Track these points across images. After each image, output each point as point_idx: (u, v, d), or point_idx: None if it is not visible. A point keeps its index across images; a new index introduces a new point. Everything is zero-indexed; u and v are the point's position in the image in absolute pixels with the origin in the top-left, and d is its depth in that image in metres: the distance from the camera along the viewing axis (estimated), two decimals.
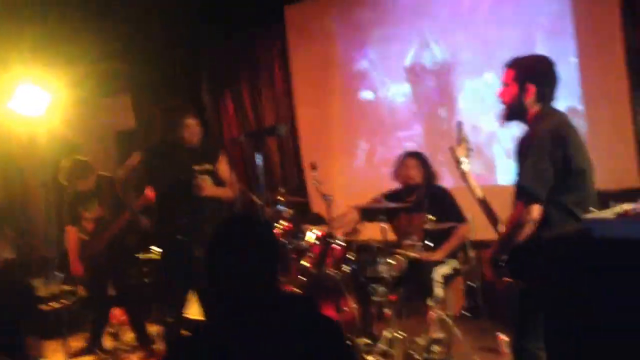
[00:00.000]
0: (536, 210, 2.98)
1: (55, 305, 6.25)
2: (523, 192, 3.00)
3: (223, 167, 4.69)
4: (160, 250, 4.91)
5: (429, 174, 5.02)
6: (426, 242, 4.75)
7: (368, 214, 5.09)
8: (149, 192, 4.83)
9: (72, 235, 5.53)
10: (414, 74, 6.30)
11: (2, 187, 8.38)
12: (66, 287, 6.47)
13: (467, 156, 3.49)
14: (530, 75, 3.16)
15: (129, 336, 5.90)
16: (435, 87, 6.20)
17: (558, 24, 5.28)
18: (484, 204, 3.46)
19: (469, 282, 5.00)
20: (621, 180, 4.57)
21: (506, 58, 3.25)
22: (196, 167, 4.54)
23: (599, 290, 2.47)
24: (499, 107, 3.27)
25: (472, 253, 5.01)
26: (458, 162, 3.49)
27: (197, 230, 4.43)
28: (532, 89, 3.14)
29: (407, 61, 6.33)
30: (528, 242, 3.06)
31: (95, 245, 5.48)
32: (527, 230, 3.01)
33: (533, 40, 5.39)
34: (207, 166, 4.60)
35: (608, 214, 2.59)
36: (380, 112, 6.63)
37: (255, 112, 7.52)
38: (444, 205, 4.87)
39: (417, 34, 6.22)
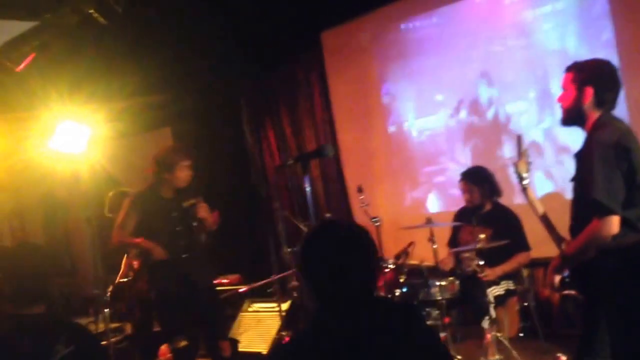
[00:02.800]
0: (615, 224, 2.84)
1: (103, 342, 6.23)
2: (596, 206, 2.85)
3: (202, 205, 4.81)
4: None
5: (490, 191, 4.99)
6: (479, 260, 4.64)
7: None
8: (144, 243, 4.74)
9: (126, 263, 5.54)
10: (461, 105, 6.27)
11: (45, 227, 8.46)
12: (114, 324, 6.44)
13: (528, 171, 3.38)
14: (589, 78, 3.06)
15: None
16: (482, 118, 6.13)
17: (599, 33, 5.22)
18: (546, 221, 3.35)
19: (524, 303, 4.90)
20: None
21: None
22: (184, 204, 4.75)
23: None
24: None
25: (525, 273, 4.91)
26: (520, 178, 3.38)
27: (193, 253, 4.73)
28: (590, 91, 3.04)
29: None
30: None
31: (139, 284, 5.44)
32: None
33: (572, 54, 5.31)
34: (193, 201, 4.77)
35: None
36: (418, 136, 6.57)
37: (297, 139, 7.52)
38: (509, 228, 4.80)
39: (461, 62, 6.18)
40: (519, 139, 3.47)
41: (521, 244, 4.79)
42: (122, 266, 5.68)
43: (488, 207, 5.01)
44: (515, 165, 3.41)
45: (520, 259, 4.80)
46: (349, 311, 1.95)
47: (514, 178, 3.50)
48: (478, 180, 5.00)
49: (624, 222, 2.85)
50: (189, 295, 4.67)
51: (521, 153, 3.41)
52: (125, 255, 5.66)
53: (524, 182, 3.37)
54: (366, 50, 6.85)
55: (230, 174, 7.85)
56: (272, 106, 7.75)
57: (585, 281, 3.09)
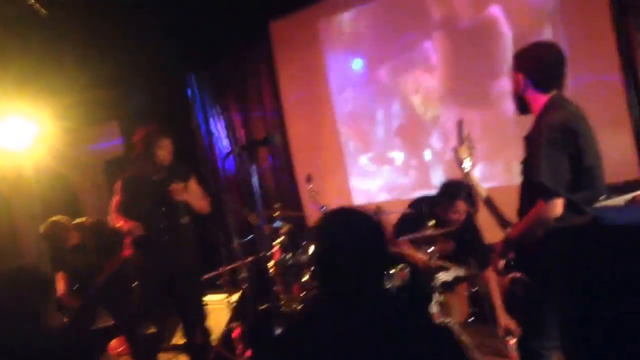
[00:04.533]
0: (559, 206, 2.84)
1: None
2: (541, 188, 2.85)
3: (194, 186, 4.97)
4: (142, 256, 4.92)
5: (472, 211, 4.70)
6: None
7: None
8: (124, 224, 4.76)
9: (61, 281, 5.41)
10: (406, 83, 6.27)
11: None
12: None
13: (470, 155, 3.39)
14: (525, 63, 3.08)
15: None
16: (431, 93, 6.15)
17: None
18: (490, 205, 3.36)
19: (473, 289, 4.94)
20: (621, 173, 4.50)
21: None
22: (171, 185, 4.78)
23: (611, 276, 2.42)
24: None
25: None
26: (460, 162, 3.40)
27: (175, 234, 4.79)
28: (525, 77, 3.05)
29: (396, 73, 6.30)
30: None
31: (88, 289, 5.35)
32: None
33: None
34: (179, 182, 4.82)
35: (618, 201, 2.54)
36: (369, 122, 6.58)
37: (246, 130, 7.48)
38: (472, 245, 4.71)
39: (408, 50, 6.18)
40: (459, 124, 3.46)
41: (483, 262, 4.67)
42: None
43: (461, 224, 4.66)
44: (456, 150, 3.42)
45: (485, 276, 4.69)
46: (356, 301, 1.93)
47: (456, 163, 3.47)
48: (471, 200, 4.60)
49: (568, 205, 2.86)
50: (169, 278, 4.79)
51: (462, 138, 3.41)
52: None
53: (465, 167, 3.38)
54: (314, 40, 6.82)
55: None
56: (221, 98, 7.69)
57: (531, 263, 3.10)
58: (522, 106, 3.13)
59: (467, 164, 3.38)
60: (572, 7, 5.12)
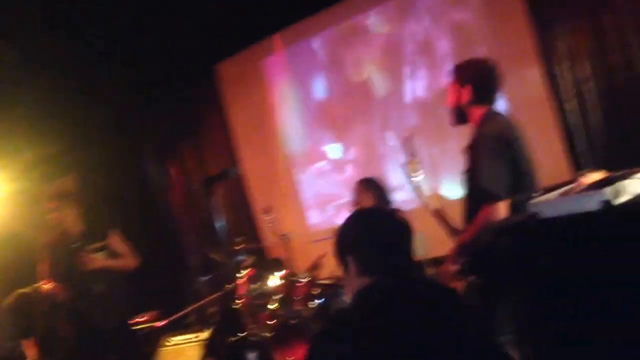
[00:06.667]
0: (503, 208, 3.04)
1: None
2: (484, 194, 3.06)
3: (115, 241, 4.87)
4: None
5: (382, 201, 4.97)
6: None
7: None
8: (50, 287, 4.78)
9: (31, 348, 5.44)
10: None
11: None
12: None
13: (417, 170, 3.50)
14: (467, 77, 3.26)
15: None
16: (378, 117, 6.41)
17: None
18: (440, 216, 3.50)
19: None
20: (554, 176, 4.78)
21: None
22: (86, 248, 4.73)
23: (554, 268, 2.64)
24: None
25: (430, 270, 5.15)
26: (409, 177, 3.50)
27: (87, 303, 4.69)
28: (468, 90, 3.24)
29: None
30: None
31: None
32: None
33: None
34: (97, 244, 4.78)
35: (551, 196, 2.77)
36: (320, 150, 6.81)
37: (201, 170, 7.60)
38: None
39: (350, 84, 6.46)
40: (407, 140, 3.58)
41: None
42: None
43: None
44: (405, 166, 3.54)
45: None
46: (400, 285, 1.98)
47: (404, 179, 3.60)
48: (378, 188, 4.88)
49: (511, 206, 3.06)
50: (87, 341, 4.72)
51: (410, 154, 3.52)
52: None
53: (415, 182, 3.49)
54: (260, 78, 7.06)
55: (138, 212, 7.83)
56: (174, 142, 7.83)
57: (481, 264, 3.23)
58: (461, 117, 3.32)
59: (416, 178, 3.50)
60: (497, 24, 5.43)
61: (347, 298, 4.59)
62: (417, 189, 3.53)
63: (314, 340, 1.93)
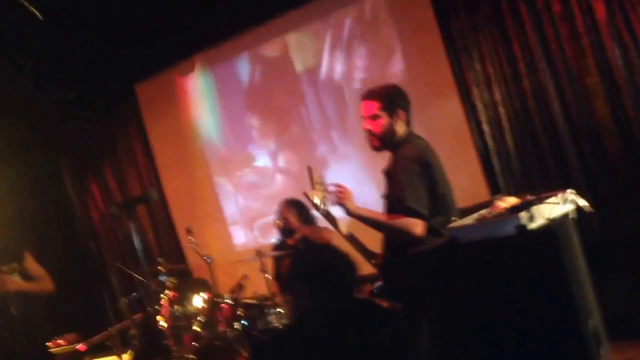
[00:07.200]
0: (424, 228, 3.14)
1: None
2: (410, 212, 3.14)
3: (30, 264, 4.78)
4: None
5: (306, 220, 5.08)
6: None
7: None
8: None
9: None
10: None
11: None
12: None
13: (323, 197, 3.38)
14: (397, 103, 3.38)
15: None
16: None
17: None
18: (353, 240, 3.50)
19: None
20: (472, 196, 4.93)
21: None
22: (2, 269, 4.61)
23: (471, 289, 2.75)
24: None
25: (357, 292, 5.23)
26: (315, 206, 3.39)
27: (6, 327, 4.60)
28: (402, 115, 3.36)
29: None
30: (399, 263, 3.23)
31: None
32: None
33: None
34: (14, 265, 4.68)
35: (469, 220, 2.89)
36: (242, 168, 6.83)
37: (122, 190, 7.51)
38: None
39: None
40: (309, 170, 3.46)
41: None
42: None
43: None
44: (307, 194, 3.42)
45: None
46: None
47: (310, 205, 3.50)
48: (302, 208, 5.09)
49: (429, 229, 3.16)
50: None
51: (314, 183, 3.42)
52: None
53: (321, 209, 3.38)
54: (180, 98, 7.04)
55: (57, 234, 7.64)
56: (93, 163, 7.70)
57: (396, 287, 3.37)
58: (390, 142, 3.39)
59: (322, 206, 3.37)
60: (414, 53, 5.59)
61: (271, 318, 4.69)
62: (326, 216, 3.45)
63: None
